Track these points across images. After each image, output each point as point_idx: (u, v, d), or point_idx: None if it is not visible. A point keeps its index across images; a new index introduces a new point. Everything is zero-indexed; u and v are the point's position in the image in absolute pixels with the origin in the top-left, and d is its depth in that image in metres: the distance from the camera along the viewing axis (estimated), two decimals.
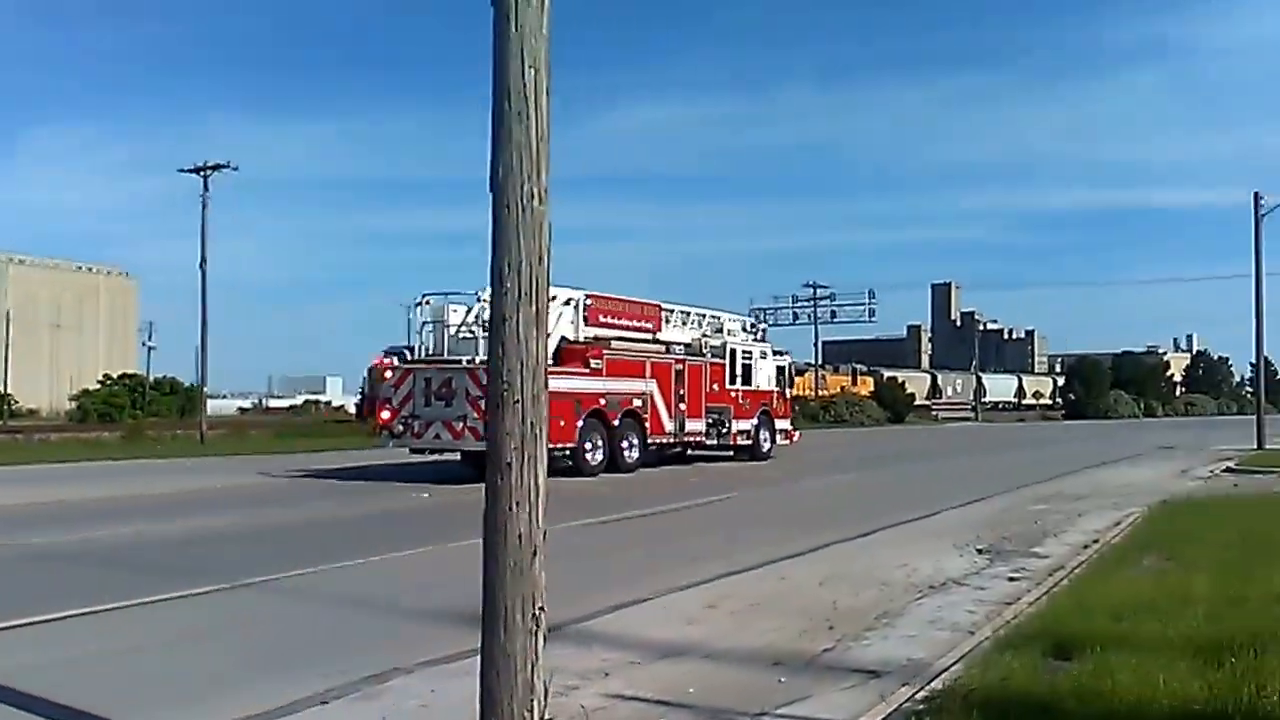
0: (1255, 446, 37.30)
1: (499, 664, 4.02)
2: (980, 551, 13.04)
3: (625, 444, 25.51)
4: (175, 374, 71.56)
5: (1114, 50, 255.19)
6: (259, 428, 52.41)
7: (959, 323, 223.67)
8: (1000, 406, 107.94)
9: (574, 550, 13.19)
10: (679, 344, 28.52)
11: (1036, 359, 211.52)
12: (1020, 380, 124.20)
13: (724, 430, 29.16)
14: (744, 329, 32.65)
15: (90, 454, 33.63)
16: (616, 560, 12.75)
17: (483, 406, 16.31)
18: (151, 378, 71.13)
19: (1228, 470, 28.07)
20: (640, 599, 9.89)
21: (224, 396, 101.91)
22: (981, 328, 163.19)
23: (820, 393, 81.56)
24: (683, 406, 27.58)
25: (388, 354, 56.51)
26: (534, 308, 3.97)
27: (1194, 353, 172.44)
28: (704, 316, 30.40)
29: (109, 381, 68.13)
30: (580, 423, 23.93)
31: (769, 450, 31.10)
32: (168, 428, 48.53)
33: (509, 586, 4.03)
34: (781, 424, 32.50)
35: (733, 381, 29.73)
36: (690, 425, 27.93)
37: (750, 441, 30.23)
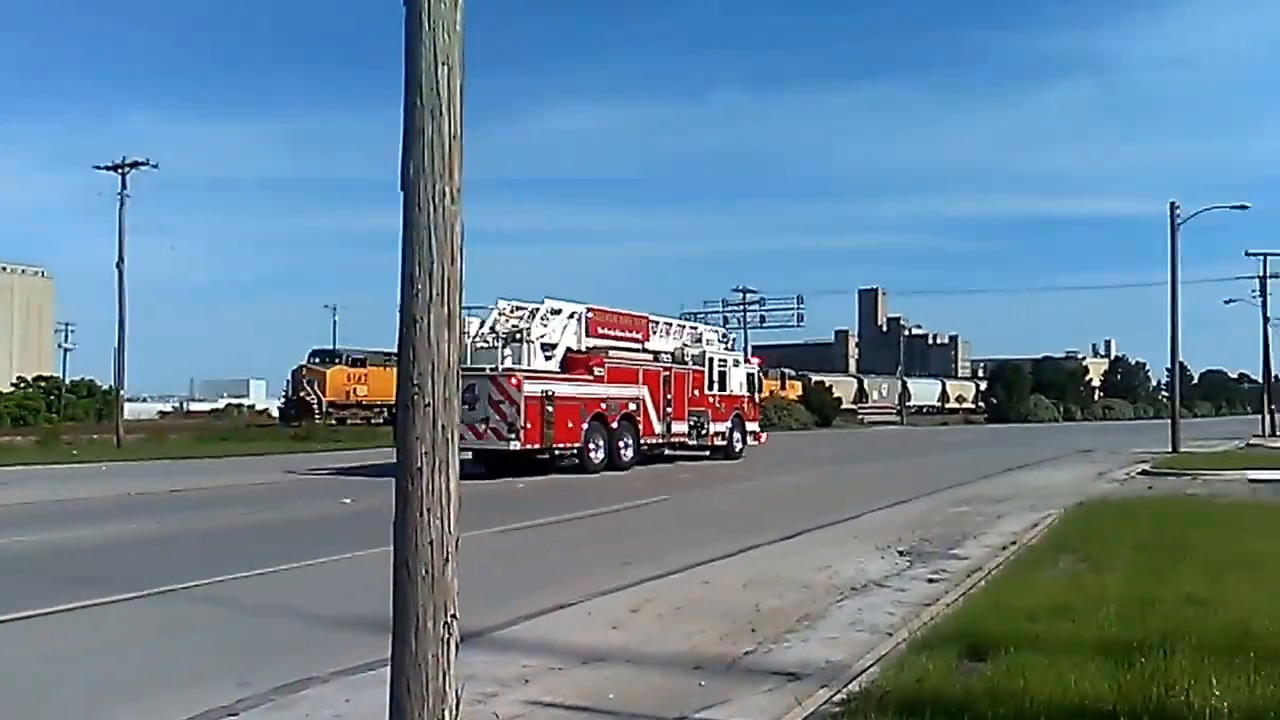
0: (1170, 450, 38.24)
1: (409, 673, 3.93)
2: (902, 553, 13.17)
3: (622, 444, 27.79)
4: (93, 376, 69.73)
5: (1040, 61, 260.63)
6: (179, 431, 51.23)
7: (885, 328, 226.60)
8: (924, 410, 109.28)
9: (509, 553, 13.14)
10: (665, 353, 31.10)
11: (960, 363, 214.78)
12: (944, 384, 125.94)
13: (703, 432, 31.48)
14: (719, 339, 35.67)
15: (2, 459, 32.67)
16: (551, 562, 12.72)
17: (503, 410, 21.48)
18: (68, 380, 69.42)
19: (1143, 473, 28.72)
20: (566, 603, 9.83)
21: (144, 400, 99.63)
22: (907, 333, 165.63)
23: None
24: (669, 410, 29.96)
25: (313, 356, 56.24)
26: (446, 309, 3.89)
27: (1112, 358, 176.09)
28: (684, 327, 33.81)
29: (23, 384, 66.24)
30: (585, 425, 26.28)
31: (741, 450, 33.31)
32: (84, 432, 47.27)
33: (420, 594, 3.94)
34: (751, 426, 34.87)
35: (710, 387, 32.16)
36: (675, 427, 30.27)
37: (725, 442, 32.61)
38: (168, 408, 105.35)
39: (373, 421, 51.62)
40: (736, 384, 33.82)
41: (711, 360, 32.75)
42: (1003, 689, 5.95)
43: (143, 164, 45.50)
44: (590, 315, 28.46)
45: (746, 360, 36.46)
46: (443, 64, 3.86)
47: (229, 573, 11.42)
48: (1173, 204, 42.33)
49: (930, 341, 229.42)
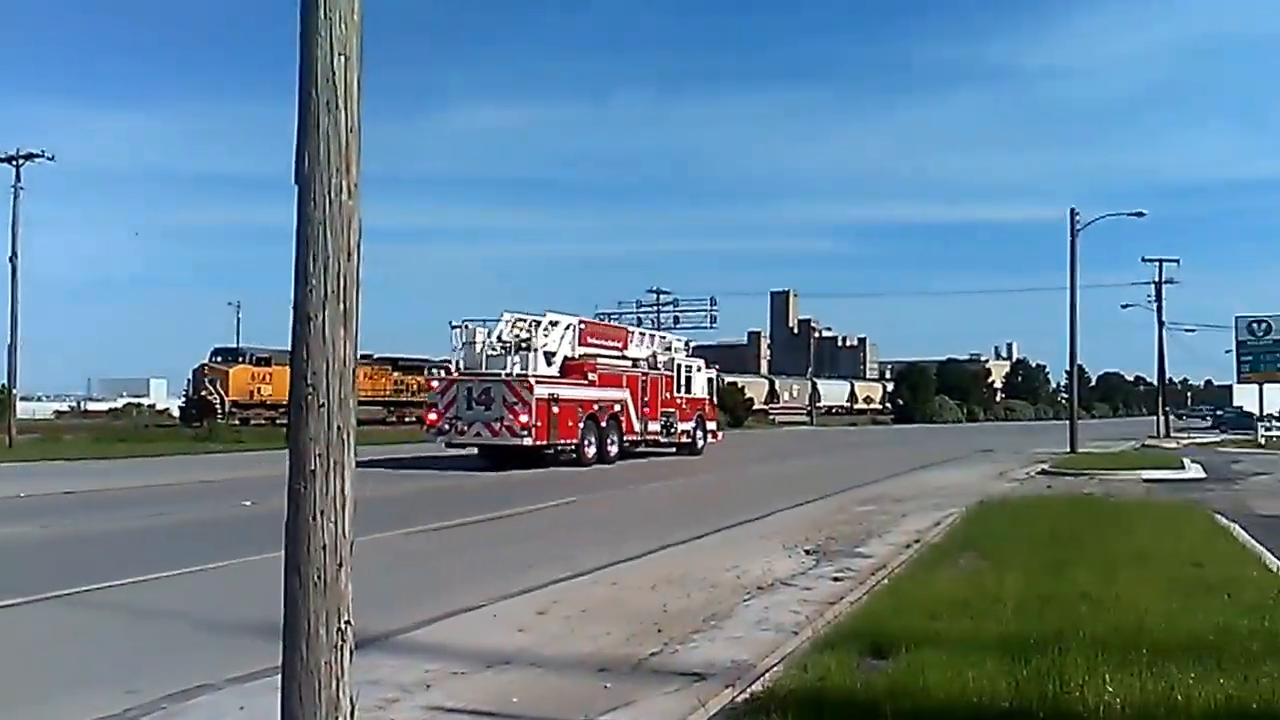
0: (1068, 450, 39.24)
1: (301, 682, 3.82)
2: (808, 552, 13.29)
3: (609, 441, 30.90)
4: None
5: (944, 69, 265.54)
6: (75, 432, 49.63)
7: (796, 330, 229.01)
8: (834, 411, 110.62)
9: (423, 554, 12.98)
10: (642, 359, 34.69)
11: (868, 365, 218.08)
12: (853, 386, 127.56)
13: (672, 430, 34.71)
14: (683, 346, 38.87)
15: None
16: (463, 563, 12.59)
17: (517, 410, 25.00)
18: None
19: (1042, 472, 29.42)
20: (472, 606, 9.73)
21: (39, 399, 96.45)
22: (817, 335, 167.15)
23: None
24: (646, 410, 33.16)
25: (215, 355, 55.01)
26: (341, 306, 3.80)
27: (1013, 360, 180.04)
28: (655, 337, 37.88)
29: None
30: (581, 424, 29.30)
31: (702, 447, 36.68)
32: None
33: (312, 600, 3.83)
34: (710, 425, 38.41)
35: (678, 390, 35.54)
36: (650, 426, 33.45)
37: (690, 440, 35.88)
38: (64, 407, 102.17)
39: (278, 422, 50.59)
40: (699, 387, 37.21)
41: (679, 366, 36.24)
42: (904, 687, 6.02)
43: (39, 156, 43.99)
44: (582, 326, 32.33)
45: (707, 366, 39.47)
46: (340, 55, 3.77)
47: (121, 577, 11.11)
48: (1072, 210, 43.50)
49: (840, 344, 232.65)
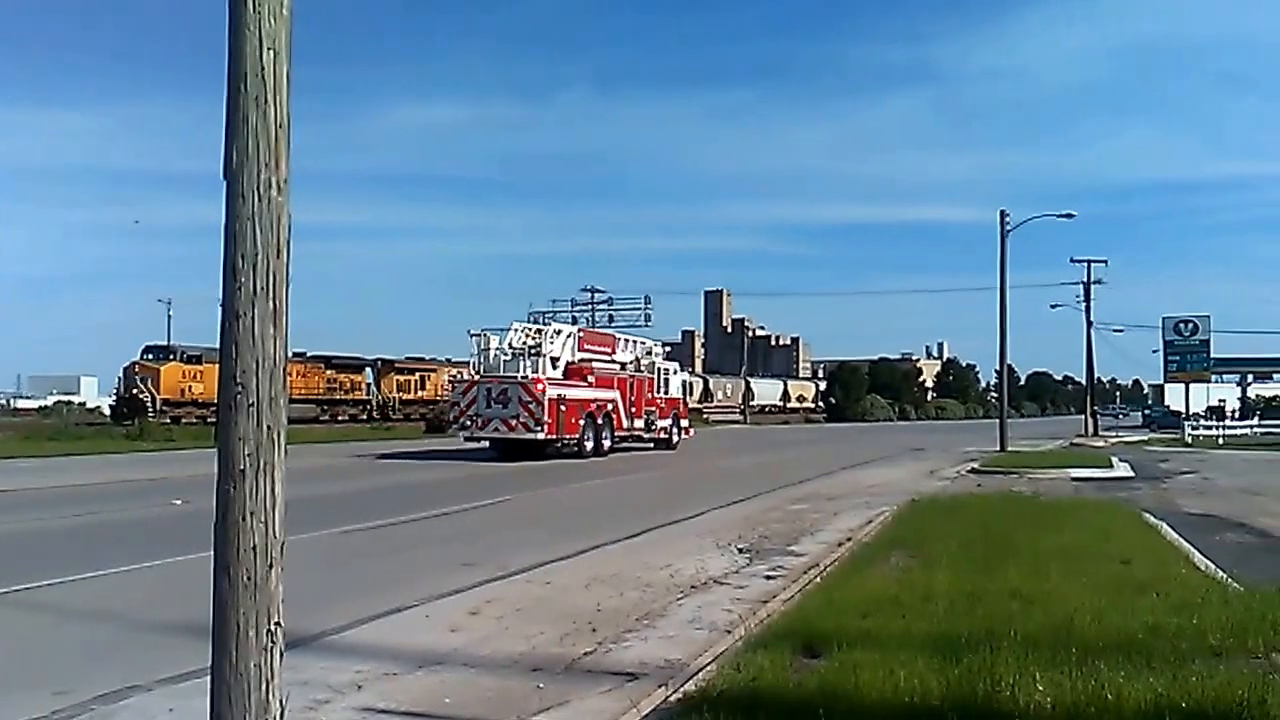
0: (998, 448, 39.84)
1: (230, 684, 3.76)
2: (741, 550, 13.36)
3: (604, 436, 34.37)
4: None
5: (877, 71, 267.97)
6: (4, 430, 48.38)
7: (730, 329, 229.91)
8: (767, 409, 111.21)
9: (362, 552, 12.82)
10: (628, 363, 38.40)
11: (801, 364, 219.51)
12: (786, 384, 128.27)
13: (653, 427, 38.41)
14: (660, 351, 42.54)
15: None
16: (399, 562, 12.45)
17: (531, 408, 29.44)
18: None
19: (972, 471, 29.84)
20: (405, 606, 9.66)
21: None
22: (751, 334, 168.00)
23: None
24: (633, 410, 36.98)
25: (146, 353, 54.03)
26: (271, 304, 3.73)
27: (944, 360, 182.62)
28: (638, 343, 41.21)
29: None
30: (582, 421, 32.87)
31: (677, 443, 40.49)
32: None
33: (242, 602, 3.77)
34: (684, 423, 42.86)
35: (658, 391, 39.37)
36: (636, 423, 37.26)
37: (667, 435, 39.76)
38: None
39: (209, 420, 49.79)
40: (675, 389, 41.81)
41: (659, 369, 40.20)
42: (836, 686, 6.06)
43: None
44: (581, 334, 36.80)
45: (681, 370, 43.95)
46: (269, 49, 3.71)
47: (48, 578, 10.89)
48: (1003, 212, 44.16)
49: (773, 342, 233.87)
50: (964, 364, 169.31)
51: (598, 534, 14.67)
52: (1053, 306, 71.28)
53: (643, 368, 39.20)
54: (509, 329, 33.72)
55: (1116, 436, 60.30)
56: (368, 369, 67.80)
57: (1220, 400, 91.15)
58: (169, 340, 61.16)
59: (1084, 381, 73.31)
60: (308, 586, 9.68)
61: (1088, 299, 65.83)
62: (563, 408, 31.67)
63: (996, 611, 8.08)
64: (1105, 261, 68.15)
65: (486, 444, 32.60)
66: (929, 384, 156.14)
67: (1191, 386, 78.60)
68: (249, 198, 3.71)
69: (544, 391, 31.10)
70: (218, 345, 3.82)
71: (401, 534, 15.20)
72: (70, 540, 14.51)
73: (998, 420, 44.86)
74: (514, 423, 31.05)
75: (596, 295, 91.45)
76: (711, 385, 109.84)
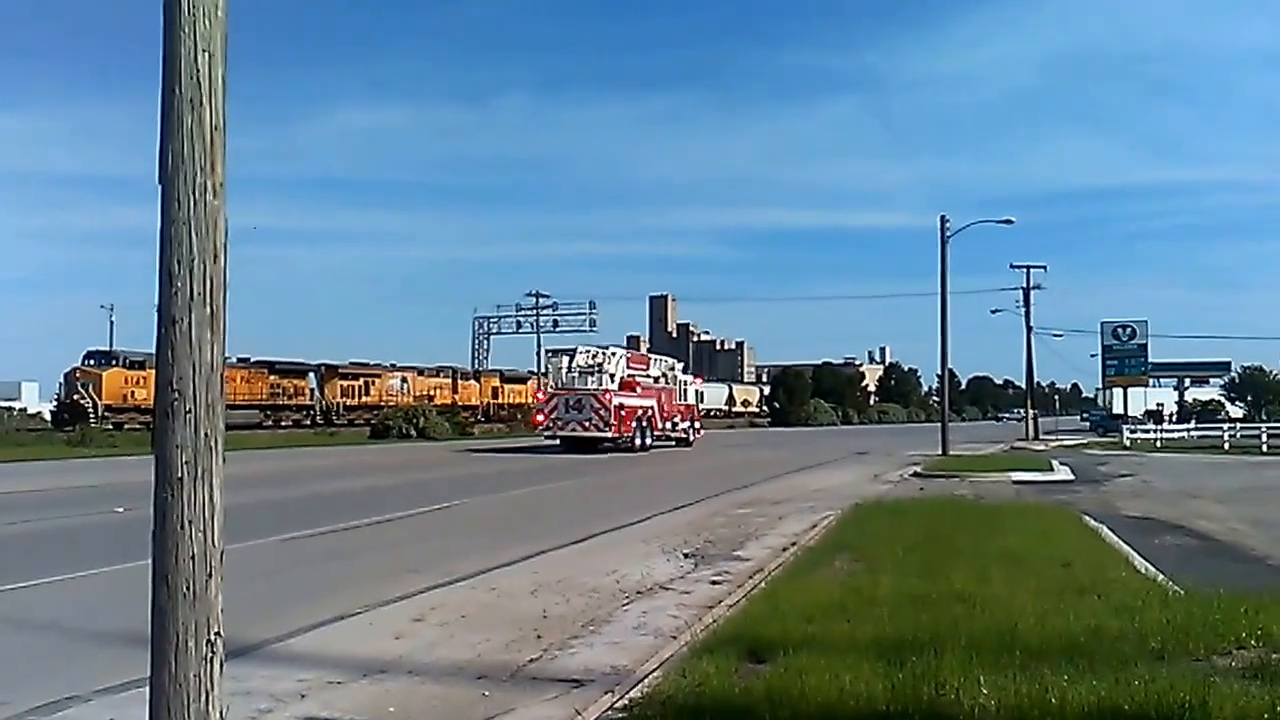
0: (940, 452, 40.27)
1: (169, 695, 3.69)
2: (687, 555, 13.37)
3: (647, 435, 43.33)
4: None
5: (817, 79, 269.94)
6: None
7: (675, 333, 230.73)
8: (712, 414, 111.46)
9: (317, 556, 12.66)
10: (660, 376, 47.88)
11: (746, 368, 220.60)
12: (730, 389, 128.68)
13: (676, 428, 47.63)
14: (680, 366, 52.45)
15: None
16: (347, 568, 12.30)
17: (602, 414, 40.46)
18: None
19: (915, 475, 30.09)
20: (349, 613, 9.55)
21: None
22: (696, 338, 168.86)
23: None
24: (665, 414, 45.94)
25: (88, 358, 53.02)
26: (208, 309, 3.67)
27: (887, 364, 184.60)
28: (663, 360, 51.03)
29: None
30: (634, 423, 41.97)
31: (693, 441, 49.33)
32: None
33: (180, 611, 3.70)
34: (697, 425, 52.01)
35: (679, 399, 48.58)
36: (666, 425, 46.07)
37: (685, 435, 48.66)
38: None
39: (152, 426, 48.88)
40: (691, 397, 51.31)
41: (679, 381, 49.98)
42: (781, 691, 6.06)
43: None
44: (628, 354, 46.96)
45: (694, 380, 55.26)
46: (204, 52, 3.65)
47: None
48: (943, 218, 44.81)
49: (718, 347, 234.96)
50: (906, 368, 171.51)
51: (548, 538, 14.62)
52: (993, 312, 72.09)
53: (668, 380, 48.64)
54: (575, 351, 44.33)
55: (1056, 440, 61.15)
56: (311, 374, 67.13)
57: (1158, 404, 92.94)
58: (111, 345, 60.42)
59: (1024, 386, 74.26)
60: (255, 592, 9.57)
61: (1027, 304, 66.95)
62: (622, 413, 41.01)
63: (941, 615, 8.13)
64: (1044, 267, 69.56)
65: (558, 441, 41.50)
66: (872, 388, 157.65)
67: (1130, 390, 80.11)
68: (184, 202, 3.65)
69: (610, 401, 40.51)
70: None
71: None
72: (9, 548, 14.19)
73: (940, 424, 45.34)
74: (588, 425, 40.22)
75: (541, 300, 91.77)
76: None
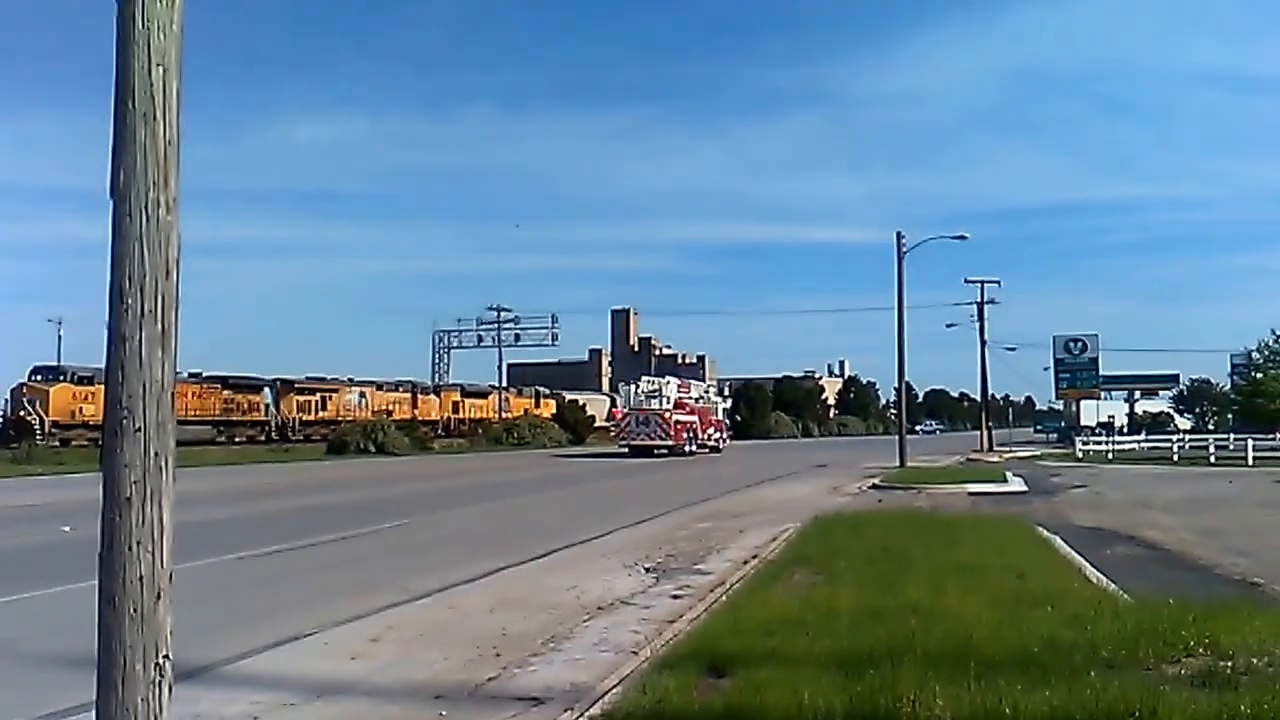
0: (898, 464, 40.49)
1: (117, 719, 3.63)
2: (648, 570, 13.35)
3: (693, 444, 55.03)
4: None
5: (775, 94, 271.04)
6: None
7: (637, 347, 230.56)
8: None
9: (269, 577, 12.49)
10: (699, 397, 61.22)
11: (708, 382, 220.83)
12: (617, 397, 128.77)
13: (711, 438, 59.53)
14: (716, 388, 72.48)
15: None
16: (302, 586, 12.17)
17: (663, 429, 55.46)
18: None
19: (874, 487, 30.27)
20: (303, 633, 9.43)
21: None
22: (658, 352, 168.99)
23: (504, 415, 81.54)
24: (703, 426, 57.79)
25: (35, 373, 52.19)
26: (159, 326, 3.62)
27: (846, 377, 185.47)
28: (700, 385, 66.53)
29: None
30: (685, 435, 53.74)
31: (723, 449, 60.94)
32: None
33: (128, 634, 3.63)
34: (726, 435, 64.94)
35: (713, 415, 62.02)
36: (704, 435, 58.04)
37: (715, 444, 60.52)
38: None
39: (100, 443, 48.23)
40: (721, 412, 66.51)
41: (713, 400, 65.13)
42: (741, 706, 6.07)
43: None
44: (679, 383, 60.29)
45: (723, 397, 72.13)
46: (158, 66, 3.60)
47: None
48: (899, 233, 45.16)
49: (679, 361, 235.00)
50: (865, 381, 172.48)
51: (503, 556, 14.54)
52: (948, 326, 72.63)
53: (705, 400, 62.34)
54: (640, 380, 60.27)
55: (1011, 451, 61.70)
56: (266, 389, 66.35)
57: (1109, 416, 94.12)
58: (59, 360, 59.32)
59: (979, 398, 74.94)
60: (206, 612, 9.43)
61: (981, 318, 67.52)
62: (677, 426, 53.38)
63: (898, 628, 8.17)
64: (998, 282, 70.00)
65: (626, 449, 53.04)
66: (831, 401, 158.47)
67: (1083, 403, 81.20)
68: (136, 217, 3.59)
69: (670, 419, 53.34)
70: None
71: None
72: None
73: (897, 436, 45.62)
74: (653, 436, 52.81)
75: (503, 314, 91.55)
76: (619, 404, 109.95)
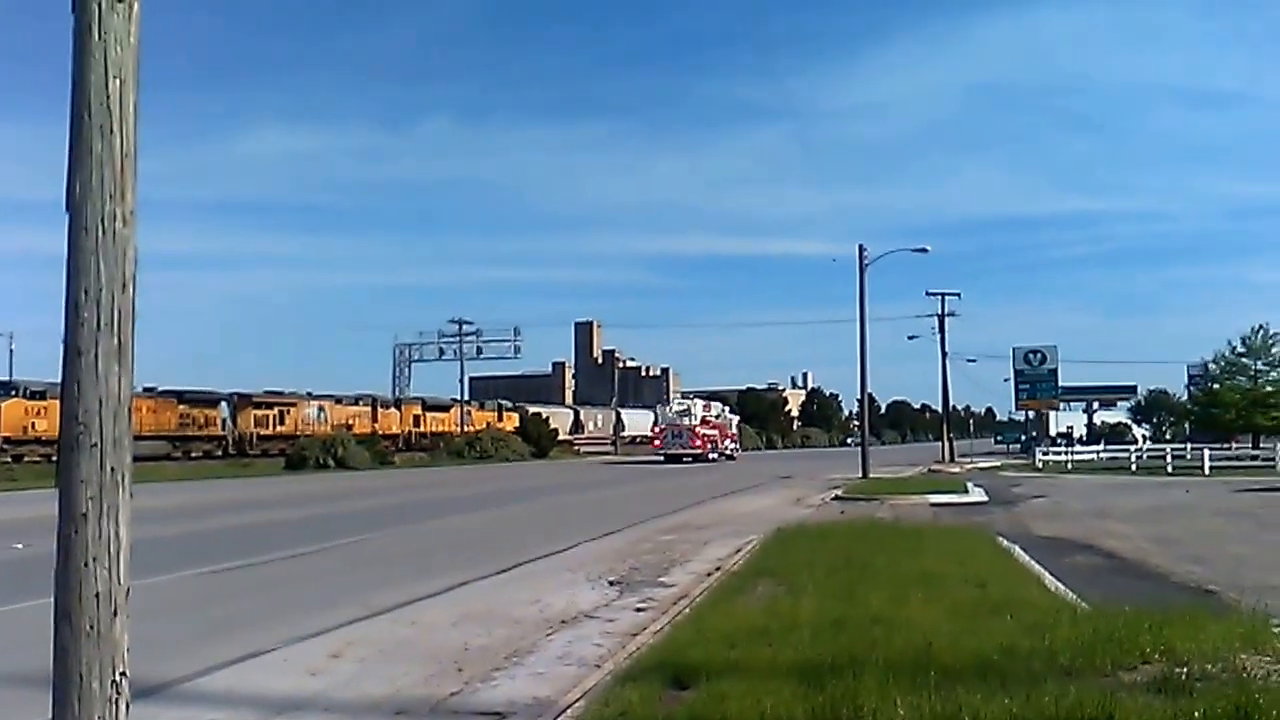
0: (861, 475, 40.70)
1: None
2: (612, 583, 13.34)
3: (713, 453, 66.86)
4: None
5: (736, 107, 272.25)
6: None
7: (600, 360, 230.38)
8: (638, 440, 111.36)
9: (230, 593, 12.36)
10: (717, 415, 74.61)
11: (671, 395, 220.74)
12: (656, 415, 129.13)
13: (727, 449, 72.51)
14: (729, 408, 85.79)
15: None
16: (260, 603, 12.02)
17: (691, 440, 71.71)
18: None
19: (836, 498, 30.41)
20: (262, 650, 9.34)
21: None
22: (621, 365, 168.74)
23: (466, 429, 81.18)
24: (720, 439, 70.71)
25: None
26: (116, 340, 3.59)
27: (809, 389, 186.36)
28: (718, 405, 79.71)
29: None
30: (709, 446, 66.12)
31: (736, 458, 72.71)
32: None
33: (85, 651, 3.59)
34: (737, 446, 79.40)
35: (729, 429, 76.65)
36: (720, 446, 70.05)
37: (730, 454, 72.94)
38: None
39: (54, 459, 47.55)
40: (734, 427, 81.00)
41: (727, 417, 79.47)
42: (704, 717, 6.07)
43: None
44: (703, 404, 74.30)
45: (733, 413, 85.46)
46: (115, 78, 3.58)
47: None
48: (860, 246, 45.61)
49: (644, 373, 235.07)
50: (827, 393, 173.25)
51: (468, 569, 14.47)
52: (910, 338, 73.63)
53: (723, 418, 76.77)
54: (672, 402, 77.69)
55: (971, 462, 62.19)
56: (223, 403, 65.62)
57: (1068, 427, 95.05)
58: (10, 375, 58.60)
59: (941, 409, 75.53)
60: (165, 629, 9.33)
61: (942, 330, 68.27)
62: (702, 439, 66.41)
63: (860, 638, 8.21)
64: (959, 294, 70.92)
65: (662, 457, 65.16)
66: (794, 413, 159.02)
67: (1052, 413, 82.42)
68: (93, 230, 3.56)
69: (698, 432, 66.69)
70: None
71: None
72: None
73: (860, 448, 45.86)
74: (684, 446, 65.42)
75: (465, 327, 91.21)
76: (582, 416, 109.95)
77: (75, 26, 3.65)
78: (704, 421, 68.79)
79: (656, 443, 67.98)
